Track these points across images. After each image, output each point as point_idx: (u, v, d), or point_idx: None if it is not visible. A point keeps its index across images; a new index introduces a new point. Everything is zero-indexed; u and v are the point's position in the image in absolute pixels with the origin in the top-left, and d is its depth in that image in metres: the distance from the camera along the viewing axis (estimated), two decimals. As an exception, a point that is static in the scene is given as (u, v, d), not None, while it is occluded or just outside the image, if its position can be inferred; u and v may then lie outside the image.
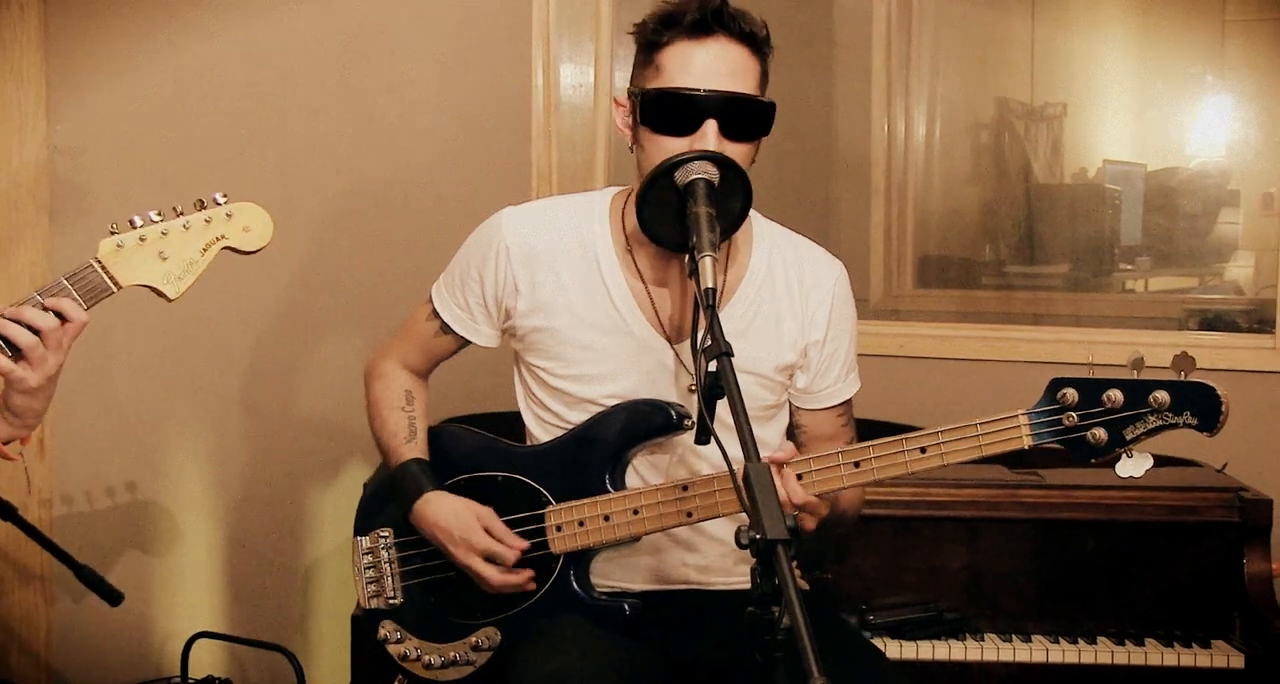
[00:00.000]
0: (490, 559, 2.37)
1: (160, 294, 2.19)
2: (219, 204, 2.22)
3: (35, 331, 2.07)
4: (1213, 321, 4.01)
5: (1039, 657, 2.93)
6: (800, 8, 4.54)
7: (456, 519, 2.39)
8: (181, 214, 2.20)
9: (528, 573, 2.38)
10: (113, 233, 2.16)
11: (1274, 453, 3.51)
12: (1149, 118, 4.45)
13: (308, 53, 3.67)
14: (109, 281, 2.14)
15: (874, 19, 4.55)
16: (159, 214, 2.18)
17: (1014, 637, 2.98)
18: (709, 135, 2.21)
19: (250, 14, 3.63)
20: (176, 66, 3.63)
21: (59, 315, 2.09)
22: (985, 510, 3.05)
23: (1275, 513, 3.00)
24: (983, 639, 2.97)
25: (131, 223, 2.16)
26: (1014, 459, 3.11)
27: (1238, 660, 2.89)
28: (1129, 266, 4.44)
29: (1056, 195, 4.59)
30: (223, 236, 2.21)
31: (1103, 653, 2.92)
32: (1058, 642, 2.96)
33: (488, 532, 2.37)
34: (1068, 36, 4.55)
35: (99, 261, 2.15)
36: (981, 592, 3.06)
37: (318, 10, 3.66)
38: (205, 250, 2.20)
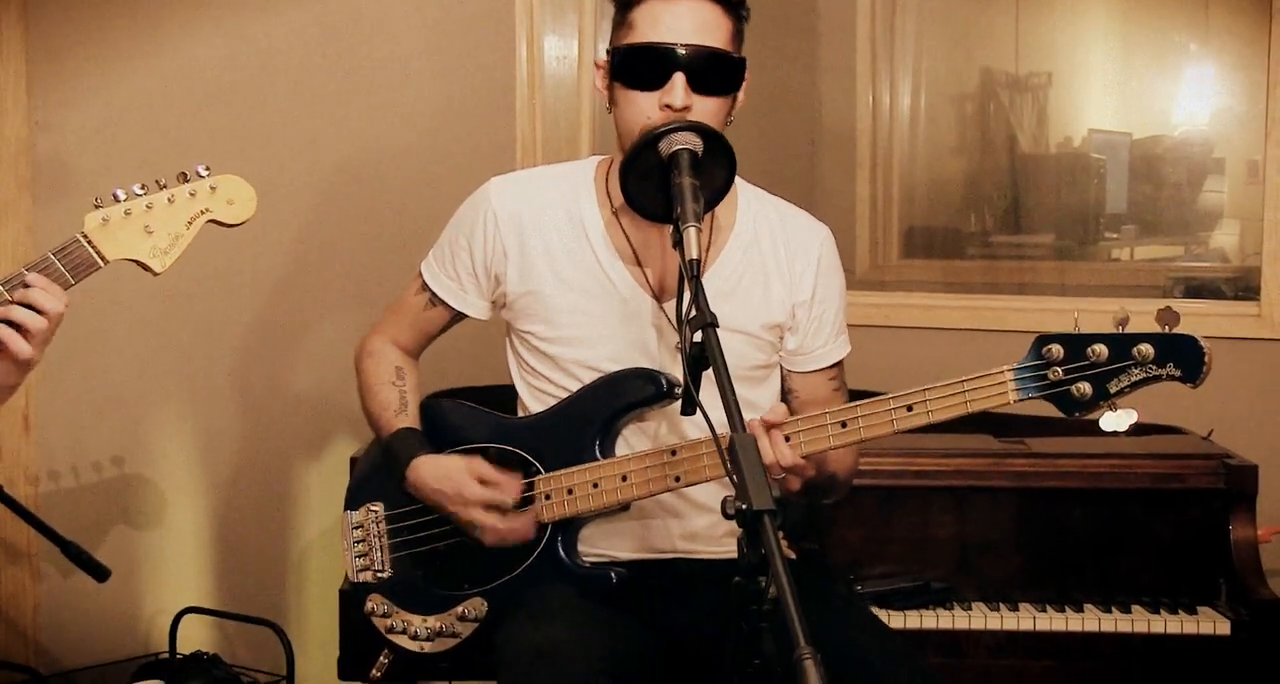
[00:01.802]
0: (490, 508, 2.38)
1: (147, 268, 2.18)
2: (202, 177, 2.20)
3: (22, 330, 2.06)
4: (1198, 289, 4.01)
5: (1026, 625, 2.94)
6: (784, -22, 4.53)
7: (450, 475, 2.39)
8: (165, 187, 2.18)
9: (529, 517, 2.38)
10: (97, 206, 2.14)
11: (1258, 419, 3.53)
12: (1133, 87, 4.44)
13: (291, 30, 3.64)
14: (96, 256, 2.13)
15: (858, -10, 4.55)
16: (142, 187, 2.16)
17: (1001, 605, 2.99)
18: (677, 88, 2.23)
19: (233, -10, 3.62)
20: (160, 43, 3.59)
21: (36, 310, 2.08)
22: (972, 480, 3.05)
23: (1260, 479, 3.01)
24: (970, 608, 2.98)
25: (115, 196, 2.14)
26: (1000, 428, 3.12)
27: (1224, 627, 2.90)
28: (1114, 235, 4.44)
29: (1041, 165, 4.59)
30: (207, 209, 2.20)
31: (1089, 620, 2.93)
32: (1045, 610, 2.97)
33: (481, 480, 2.38)
34: (1052, 6, 4.54)
35: (85, 236, 2.13)
36: (968, 561, 3.07)
37: (301, -13, 3.64)
38: (190, 224, 2.19)
